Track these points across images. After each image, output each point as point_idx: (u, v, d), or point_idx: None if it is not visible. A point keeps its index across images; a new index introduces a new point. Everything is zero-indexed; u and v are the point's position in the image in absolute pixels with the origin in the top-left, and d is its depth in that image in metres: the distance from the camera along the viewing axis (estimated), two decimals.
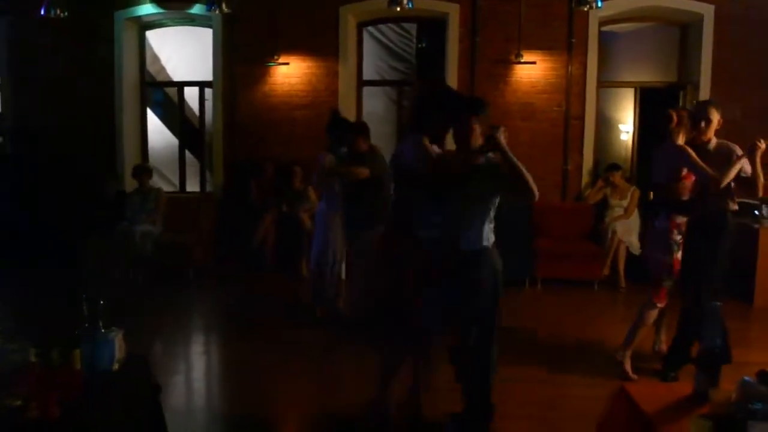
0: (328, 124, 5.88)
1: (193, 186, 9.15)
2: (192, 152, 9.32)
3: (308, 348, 5.36)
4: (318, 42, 8.15)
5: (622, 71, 8.91)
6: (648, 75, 8.64)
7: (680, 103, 7.98)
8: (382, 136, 8.70)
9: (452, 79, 7.97)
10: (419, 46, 9.48)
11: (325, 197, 5.93)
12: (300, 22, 8.14)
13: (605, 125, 9.17)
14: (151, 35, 9.45)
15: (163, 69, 10.06)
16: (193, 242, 7.73)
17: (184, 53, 9.61)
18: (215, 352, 5.71)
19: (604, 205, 7.72)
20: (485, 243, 3.52)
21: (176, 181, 9.21)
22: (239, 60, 8.31)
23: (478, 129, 3.48)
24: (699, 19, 7.73)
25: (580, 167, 7.99)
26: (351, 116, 8.34)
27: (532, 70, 7.86)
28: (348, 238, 5.75)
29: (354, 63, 8.41)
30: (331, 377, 4.84)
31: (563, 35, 7.82)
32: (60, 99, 8.53)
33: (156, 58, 9.96)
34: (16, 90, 8.77)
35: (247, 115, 8.31)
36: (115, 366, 2.68)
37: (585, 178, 8.03)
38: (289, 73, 8.14)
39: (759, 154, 4.31)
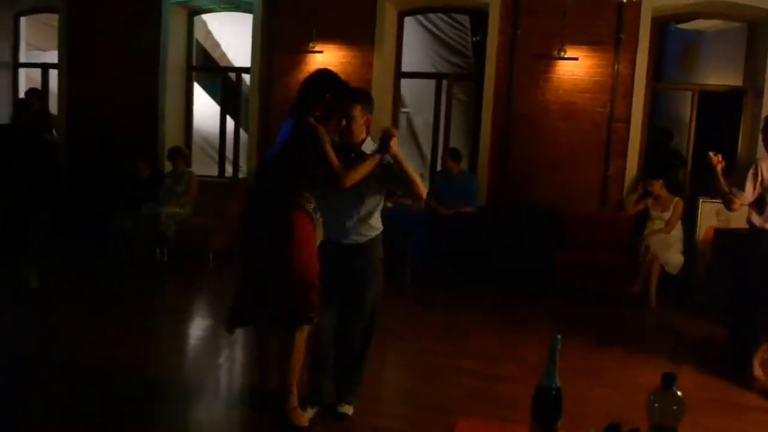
0: None
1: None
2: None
3: None
4: (355, 31, 7.94)
5: (684, 72, 8.18)
6: (712, 77, 7.88)
7: (742, 109, 7.24)
8: None
9: (490, 74, 7.58)
10: (473, 39, 9.08)
11: None
12: (338, 10, 7.96)
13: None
14: (211, 21, 9.61)
15: (224, 55, 10.21)
16: (215, 227, 7.73)
17: (243, 39, 9.67)
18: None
19: (646, 216, 7.11)
20: (369, 237, 3.58)
21: (227, 165, 9.28)
22: (277, 47, 8.25)
23: (360, 119, 3.43)
24: (766, 16, 6.92)
25: (622, 173, 7.36)
26: (386, 107, 8.13)
27: (575, 67, 7.30)
28: None
29: (392, 53, 8.13)
30: None
31: (611, 30, 7.20)
32: (109, 82, 8.82)
33: (217, 44, 10.12)
34: (70, 72, 9.11)
35: (283, 103, 8.20)
36: None
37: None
38: (324, 61, 7.94)
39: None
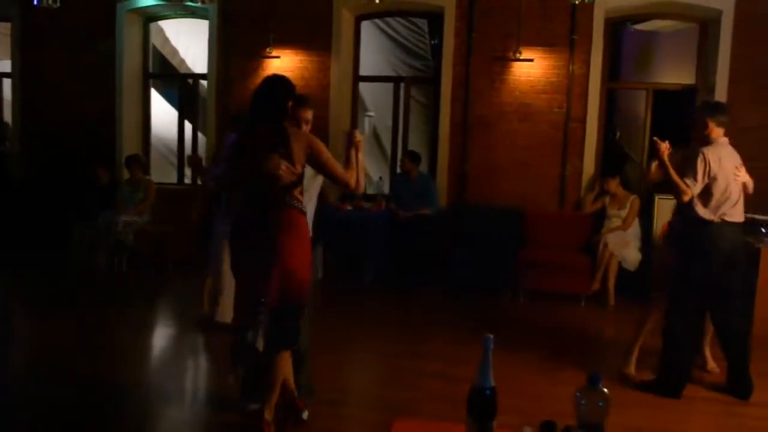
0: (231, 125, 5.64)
1: None
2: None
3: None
4: (312, 36, 7.91)
5: (640, 71, 8.29)
6: (667, 76, 8.00)
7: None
8: None
9: (447, 77, 7.61)
10: (432, 42, 9.12)
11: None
12: (294, 16, 7.92)
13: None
14: (168, 28, 9.52)
15: (183, 62, 10.12)
16: (174, 234, 7.64)
17: (201, 45, 9.59)
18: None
19: (604, 215, 7.19)
20: None
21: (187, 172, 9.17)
22: (234, 53, 8.19)
23: (311, 121, 3.68)
24: (717, 16, 7.05)
25: (580, 173, 7.43)
26: (345, 111, 8.11)
27: (531, 68, 7.36)
28: None
29: (349, 57, 8.12)
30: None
31: (565, 31, 7.28)
32: (64, 90, 8.70)
33: (175, 51, 10.02)
34: (24, 81, 8.96)
35: (240, 108, 8.14)
36: None
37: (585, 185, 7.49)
38: (282, 66, 7.91)
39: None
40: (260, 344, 3.34)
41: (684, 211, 4.35)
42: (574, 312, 6.56)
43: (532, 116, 7.46)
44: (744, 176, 4.36)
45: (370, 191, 8.21)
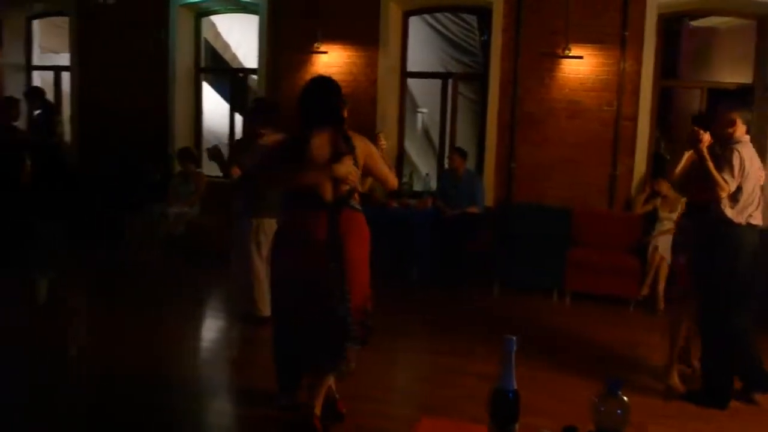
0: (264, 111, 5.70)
1: None
2: None
3: None
4: (359, 31, 7.93)
5: (699, 69, 8.06)
6: (726, 75, 7.75)
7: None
8: None
9: (495, 73, 7.53)
10: (482, 38, 9.05)
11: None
12: (342, 11, 7.97)
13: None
14: (220, 23, 9.69)
15: (235, 56, 10.29)
16: (223, 226, 7.76)
17: (252, 40, 9.73)
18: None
19: (655, 217, 7.01)
20: None
21: None
22: (283, 47, 8.28)
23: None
24: None
25: (630, 172, 7.26)
26: (392, 107, 8.10)
27: (580, 66, 7.21)
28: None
29: (397, 53, 8.11)
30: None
31: (616, 28, 7.11)
32: (119, 84, 8.94)
33: (227, 46, 10.19)
34: (81, 75, 9.24)
35: (290, 101, 8.22)
36: None
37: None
38: (329, 62, 7.98)
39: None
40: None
41: (707, 211, 4.11)
42: (621, 316, 6.42)
43: (582, 114, 7.31)
44: (763, 179, 4.18)
45: (417, 188, 8.20)
